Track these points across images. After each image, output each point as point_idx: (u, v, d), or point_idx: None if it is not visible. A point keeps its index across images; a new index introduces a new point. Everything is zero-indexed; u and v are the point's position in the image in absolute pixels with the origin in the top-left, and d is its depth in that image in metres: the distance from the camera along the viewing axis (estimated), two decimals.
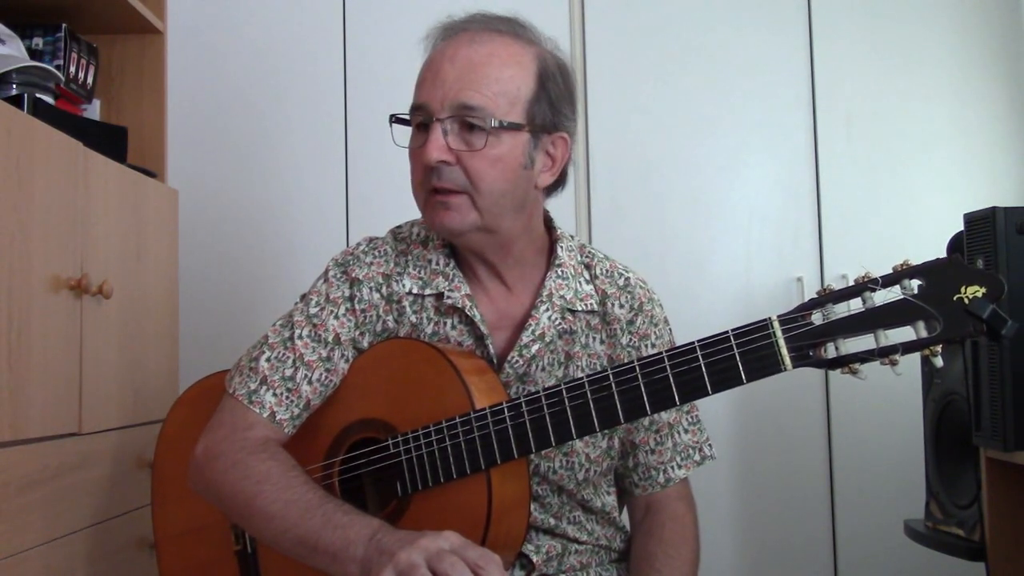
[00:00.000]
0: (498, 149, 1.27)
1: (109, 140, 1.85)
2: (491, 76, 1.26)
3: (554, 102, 1.31)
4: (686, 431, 1.42)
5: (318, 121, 2.65)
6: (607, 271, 1.41)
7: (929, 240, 2.07)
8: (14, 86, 1.73)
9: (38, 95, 1.71)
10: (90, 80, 2.05)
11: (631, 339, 1.39)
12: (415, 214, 1.48)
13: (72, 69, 1.97)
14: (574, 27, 2.68)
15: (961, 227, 1.85)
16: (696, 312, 2.55)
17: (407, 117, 1.33)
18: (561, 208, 1.41)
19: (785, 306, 2.76)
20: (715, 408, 2.47)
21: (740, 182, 2.66)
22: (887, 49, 2.65)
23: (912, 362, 1.10)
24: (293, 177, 2.64)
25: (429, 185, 1.28)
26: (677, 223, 2.65)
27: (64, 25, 1.95)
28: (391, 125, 1.34)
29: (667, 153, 2.66)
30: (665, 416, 1.40)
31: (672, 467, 1.40)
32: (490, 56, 1.28)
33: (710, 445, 1.44)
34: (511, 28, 1.32)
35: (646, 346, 1.39)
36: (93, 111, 2.08)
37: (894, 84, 2.65)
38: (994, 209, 1.75)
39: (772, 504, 2.59)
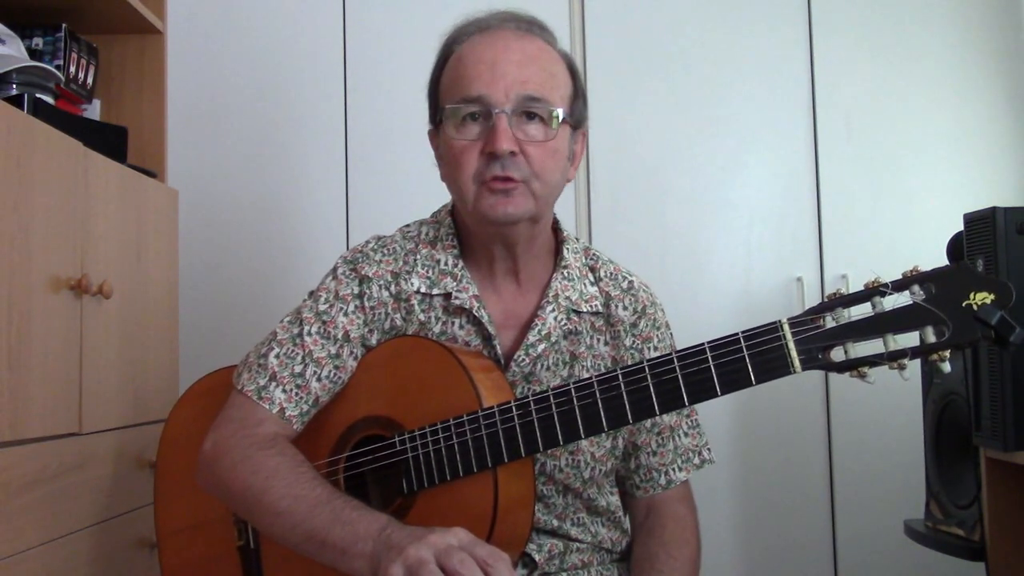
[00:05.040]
0: (556, 141, 1.29)
1: (109, 140, 1.85)
2: (547, 70, 1.30)
3: (584, 99, 1.36)
4: (686, 434, 1.43)
5: (318, 121, 2.65)
6: (611, 274, 1.42)
7: (929, 240, 2.08)
8: (14, 86, 1.72)
9: (38, 95, 1.71)
10: (90, 80, 2.05)
11: (634, 341, 1.40)
12: (415, 214, 1.48)
13: (72, 69, 1.97)
14: (574, 27, 2.68)
15: (961, 227, 1.85)
16: (696, 312, 2.55)
17: (462, 108, 1.28)
18: (561, 208, 1.42)
19: (785, 306, 2.76)
20: (716, 408, 2.46)
21: (740, 182, 2.66)
22: (887, 49, 2.65)
23: (913, 363, 1.11)
24: (293, 177, 2.64)
25: (486, 176, 1.27)
26: (677, 223, 2.65)
27: (64, 25, 1.95)
28: (446, 111, 1.29)
29: (667, 153, 2.66)
30: (667, 419, 1.41)
31: (673, 469, 1.41)
32: (540, 51, 1.31)
33: (709, 449, 1.45)
34: (538, 27, 1.35)
35: (648, 349, 1.40)
36: (93, 111, 2.08)
37: (894, 84, 2.65)
38: (994, 209, 1.75)
39: (772, 504, 2.59)
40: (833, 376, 2.55)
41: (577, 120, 1.35)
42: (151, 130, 2.22)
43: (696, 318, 2.51)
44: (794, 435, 2.59)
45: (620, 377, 1.19)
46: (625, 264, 1.47)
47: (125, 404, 1.81)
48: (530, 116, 1.27)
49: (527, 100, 1.27)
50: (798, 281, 2.61)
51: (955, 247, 1.87)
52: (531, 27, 1.34)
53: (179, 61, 2.52)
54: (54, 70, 1.82)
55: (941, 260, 1.87)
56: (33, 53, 1.91)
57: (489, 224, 1.31)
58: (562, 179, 1.33)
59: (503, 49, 1.28)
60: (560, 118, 1.29)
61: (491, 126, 1.26)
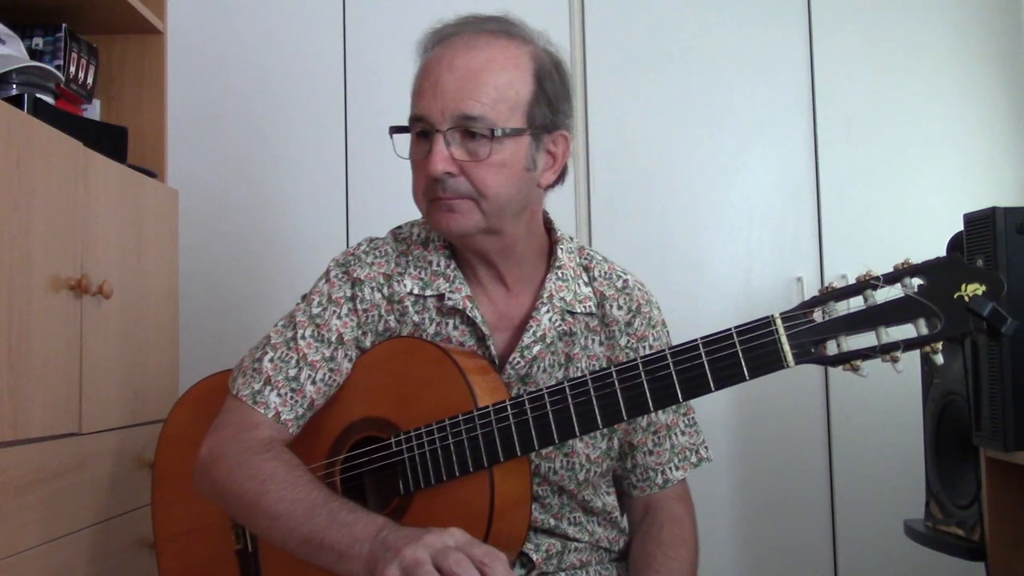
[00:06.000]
0: (501, 156, 1.26)
1: (109, 140, 1.85)
2: (490, 83, 1.26)
3: (552, 101, 1.31)
4: (683, 433, 1.42)
5: (318, 121, 2.65)
6: (605, 273, 1.41)
7: (929, 240, 2.06)
8: (14, 86, 1.72)
9: (38, 95, 1.71)
10: (90, 80, 2.05)
11: (629, 340, 1.39)
12: (415, 214, 1.47)
13: (72, 69, 1.97)
14: (574, 27, 2.69)
15: (961, 227, 1.85)
16: (696, 312, 2.56)
17: (406, 127, 1.32)
18: (561, 208, 1.42)
19: (785, 306, 2.76)
20: (715, 408, 2.47)
21: (740, 182, 2.66)
22: (887, 49, 2.66)
23: (912, 361, 1.11)
24: (293, 177, 2.64)
25: (433, 194, 1.28)
26: (677, 223, 2.65)
27: (64, 25, 1.95)
28: (391, 136, 1.33)
29: (667, 153, 2.66)
30: (663, 418, 1.40)
31: (670, 468, 1.41)
32: (488, 62, 1.27)
33: (706, 447, 1.45)
34: (505, 29, 1.31)
35: (644, 347, 1.39)
36: (93, 111, 2.08)
37: (894, 84, 2.65)
38: (994, 209, 1.74)
39: (772, 504, 2.59)
40: (833, 376, 2.55)
41: (544, 125, 1.30)
42: (151, 130, 2.22)
43: (696, 318, 2.50)
44: (794, 435, 2.59)
45: (614, 374, 1.19)
46: (625, 264, 1.46)
47: (125, 404, 1.81)
48: (472, 134, 1.25)
49: (464, 119, 1.25)
50: (798, 281, 2.61)
51: (955, 247, 1.87)
52: (496, 31, 1.30)
53: (179, 61, 2.52)
54: (54, 70, 1.82)
55: None
56: (33, 53, 1.91)
57: (444, 237, 1.34)
58: (519, 190, 1.29)
59: (446, 67, 1.26)
60: (503, 133, 1.25)
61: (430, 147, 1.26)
